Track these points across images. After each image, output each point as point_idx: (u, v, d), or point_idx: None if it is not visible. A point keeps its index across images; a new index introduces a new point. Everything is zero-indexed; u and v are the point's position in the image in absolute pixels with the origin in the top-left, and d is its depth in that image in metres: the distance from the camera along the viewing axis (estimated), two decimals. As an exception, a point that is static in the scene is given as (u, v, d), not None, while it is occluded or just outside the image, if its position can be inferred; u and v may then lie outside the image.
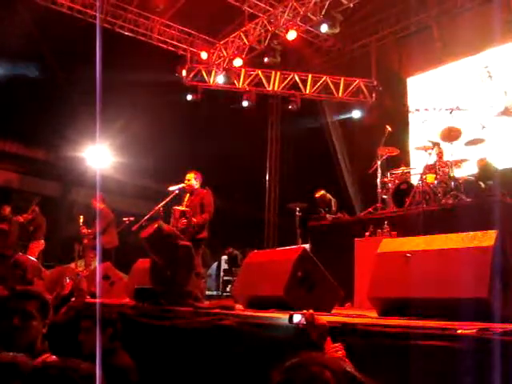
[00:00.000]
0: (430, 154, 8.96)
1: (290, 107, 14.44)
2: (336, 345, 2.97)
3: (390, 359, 3.00)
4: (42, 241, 11.96)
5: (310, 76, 14.35)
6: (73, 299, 5.59)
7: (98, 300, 5.92)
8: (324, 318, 3.19)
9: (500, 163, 8.78)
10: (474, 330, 2.71)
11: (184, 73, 14.55)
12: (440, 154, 8.76)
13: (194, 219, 7.78)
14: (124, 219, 10.47)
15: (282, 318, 3.55)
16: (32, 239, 11.82)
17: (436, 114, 9.64)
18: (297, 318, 3.15)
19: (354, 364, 2.78)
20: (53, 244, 14.09)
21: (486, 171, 8.10)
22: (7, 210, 12.35)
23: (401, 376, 2.85)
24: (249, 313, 4.54)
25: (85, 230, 10.56)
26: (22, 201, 13.95)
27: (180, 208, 7.88)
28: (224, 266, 13.72)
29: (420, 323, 3.23)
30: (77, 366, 1.82)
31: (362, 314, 4.21)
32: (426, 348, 2.84)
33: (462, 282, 3.53)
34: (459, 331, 2.75)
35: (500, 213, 6.77)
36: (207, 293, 11.00)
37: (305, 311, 3.17)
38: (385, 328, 3.17)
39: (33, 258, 9.24)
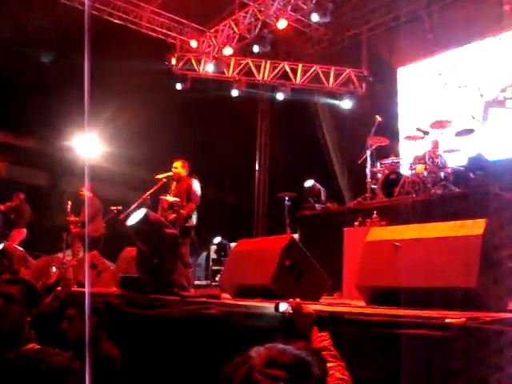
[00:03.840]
0: (419, 143, 8.97)
1: (279, 97, 14.41)
2: (322, 334, 2.94)
3: (377, 348, 2.97)
4: (24, 229, 11.86)
5: (300, 65, 14.28)
6: (58, 288, 5.54)
7: (86, 289, 5.87)
8: (311, 307, 3.16)
9: (490, 154, 8.77)
10: (463, 319, 2.68)
11: (174, 61, 14.45)
12: (435, 145, 8.77)
13: (183, 211, 7.77)
14: (112, 208, 10.42)
15: (269, 306, 3.51)
16: (14, 227, 11.73)
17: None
18: (283, 306, 3.11)
19: (340, 353, 2.76)
20: (41, 234, 14.01)
21: (476, 162, 8.10)
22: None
23: (388, 365, 2.82)
24: (235, 301, 4.51)
25: (72, 218, 10.54)
26: (10, 190, 13.83)
27: (168, 199, 7.85)
28: (213, 255, 13.67)
29: (408, 312, 3.19)
30: (48, 357, 1.75)
31: (349, 303, 4.18)
32: (414, 337, 2.80)
33: (451, 271, 3.49)
34: (447, 320, 2.71)
35: (489, 203, 6.78)
36: (196, 282, 10.95)
37: (291, 300, 3.14)
38: (372, 317, 3.14)
39: (19, 248, 9.19)
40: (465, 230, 3.67)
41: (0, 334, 3.18)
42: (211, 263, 13.51)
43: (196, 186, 8.10)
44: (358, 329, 3.10)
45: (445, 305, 3.29)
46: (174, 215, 7.65)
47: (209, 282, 12.94)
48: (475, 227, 3.65)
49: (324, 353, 2.75)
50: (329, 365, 2.67)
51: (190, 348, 4.06)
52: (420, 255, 3.78)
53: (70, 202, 10.61)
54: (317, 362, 2.60)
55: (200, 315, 4.11)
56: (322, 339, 2.90)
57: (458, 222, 3.81)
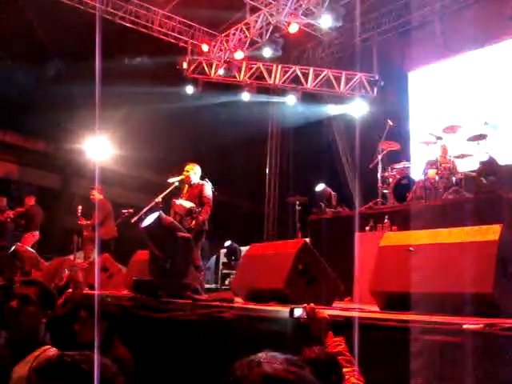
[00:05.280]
0: (430, 148, 8.95)
1: (290, 101, 14.44)
2: (337, 339, 2.93)
3: (392, 354, 2.96)
4: (36, 232, 11.91)
5: (311, 69, 14.25)
6: (69, 291, 5.53)
7: (96, 291, 5.88)
8: (325, 312, 3.15)
9: (502, 159, 8.73)
10: (481, 326, 2.66)
11: (185, 65, 14.48)
12: (444, 150, 8.73)
13: (201, 217, 7.78)
14: (123, 211, 10.44)
15: (283, 311, 3.51)
16: (25, 231, 11.79)
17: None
18: (298, 311, 3.10)
19: (355, 358, 2.75)
20: (52, 236, 14.07)
21: (488, 167, 8.05)
22: (3, 201, 12.32)
23: (403, 370, 2.81)
24: (249, 306, 4.50)
25: (83, 222, 10.55)
26: (22, 192, 13.91)
27: (185, 205, 7.81)
28: (223, 259, 13.66)
29: (423, 318, 3.17)
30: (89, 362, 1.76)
31: (363, 308, 4.16)
32: (430, 343, 2.79)
33: (467, 277, 3.47)
34: (465, 326, 2.70)
35: (501, 208, 6.74)
36: (206, 286, 10.95)
37: (306, 305, 3.13)
38: (388, 322, 3.13)
39: (31, 249, 9.21)
40: (480, 236, 3.65)
41: (15, 334, 3.20)
42: (221, 267, 13.51)
43: (208, 189, 8.11)
44: (374, 334, 3.08)
45: (460, 311, 3.28)
46: (194, 221, 7.65)
47: (218, 285, 12.94)
48: (491, 233, 3.63)
49: (339, 358, 2.74)
50: (344, 370, 2.66)
51: (203, 352, 4.06)
52: (435, 260, 3.76)
53: (80, 207, 10.62)
54: (333, 366, 2.60)
55: (213, 319, 4.10)
56: (337, 344, 2.89)
57: (474, 228, 3.80)
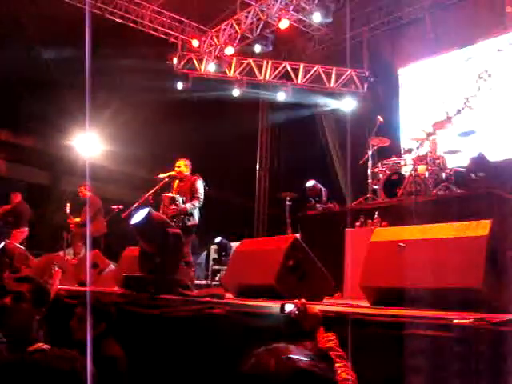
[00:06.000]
0: (421, 144, 8.97)
1: (280, 97, 14.43)
2: (328, 334, 2.93)
3: (383, 349, 2.97)
4: (26, 228, 11.86)
5: (301, 65, 14.26)
6: None
7: (88, 288, 5.86)
8: (316, 307, 3.15)
9: (492, 155, 8.77)
10: (471, 320, 2.67)
11: (175, 61, 14.44)
12: (434, 146, 8.76)
13: (183, 205, 7.77)
14: (113, 207, 10.41)
15: (274, 306, 3.51)
16: (14, 228, 11.73)
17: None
18: (289, 307, 3.11)
19: (346, 353, 2.76)
20: (41, 232, 14.01)
21: (477, 163, 8.09)
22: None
23: (395, 366, 2.82)
24: (240, 301, 4.50)
25: (72, 220, 10.54)
26: (10, 189, 13.82)
27: (169, 194, 7.85)
28: (213, 254, 13.64)
29: (414, 313, 3.19)
30: (52, 360, 1.75)
31: (354, 304, 4.17)
32: (421, 338, 2.80)
33: (457, 272, 3.50)
34: (455, 321, 2.71)
35: (490, 205, 6.78)
36: (196, 282, 10.94)
37: (297, 300, 3.13)
38: (378, 317, 3.14)
39: (20, 246, 9.17)
40: (470, 231, 3.67)
41: (8, 332, 3.19)
42: (211, 263, 13.48)
43: (200, 184, 8.11)
44: (365, 329, 3.09)
45: (450, 306, 3.29)
46: (175, 208, 7.65)
47: (209, 281, 12.93)
48: (480, 228, 3.65)
49: (330, 353, 2.75)
50: (335, 365, 2.67)
51: (194, 348, 4.05)
52: (425, 256, 3.78)
53: (68, 204, 10.60)
54: (325, 362, 2.60)
55: (204, 315, 4.10)
56: (328, 340, 2.89)
57: (464, 223, 3.82)
